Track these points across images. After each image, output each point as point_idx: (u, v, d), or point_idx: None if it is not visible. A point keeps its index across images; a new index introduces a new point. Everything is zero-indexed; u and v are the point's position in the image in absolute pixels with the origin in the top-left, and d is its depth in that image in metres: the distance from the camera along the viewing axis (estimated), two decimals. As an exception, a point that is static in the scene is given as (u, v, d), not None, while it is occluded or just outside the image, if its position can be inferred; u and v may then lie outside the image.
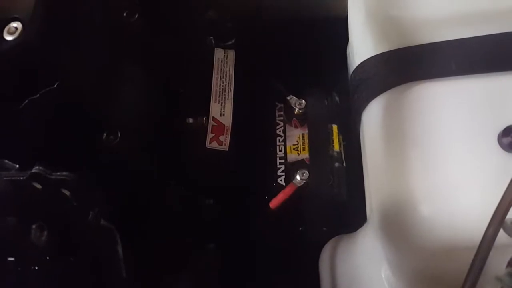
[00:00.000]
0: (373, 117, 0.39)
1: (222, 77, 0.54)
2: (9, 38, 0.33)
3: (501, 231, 0.25)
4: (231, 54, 0.57)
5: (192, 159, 0.48)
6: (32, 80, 0.35)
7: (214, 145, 0.49)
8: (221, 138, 0.50)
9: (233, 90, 0.53)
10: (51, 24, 0.34)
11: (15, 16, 0.34)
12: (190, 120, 0.47)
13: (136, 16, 0.43)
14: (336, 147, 0.49)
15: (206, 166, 0.49)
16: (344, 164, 0.48)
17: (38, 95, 0.34)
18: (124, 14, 0.43)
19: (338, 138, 0.50)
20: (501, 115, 0.32)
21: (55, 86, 0.35)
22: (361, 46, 0.42)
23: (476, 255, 0.25)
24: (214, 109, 0.51)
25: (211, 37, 0.56)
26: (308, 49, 0.59)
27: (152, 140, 0.43)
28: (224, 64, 0.55)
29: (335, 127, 0.50)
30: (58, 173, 0.32)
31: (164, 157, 0.44)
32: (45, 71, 0.35)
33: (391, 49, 0.38)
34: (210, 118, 0.50)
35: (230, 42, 0.57)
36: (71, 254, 0.31)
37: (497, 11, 0.37)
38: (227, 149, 0.49)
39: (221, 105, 0.52)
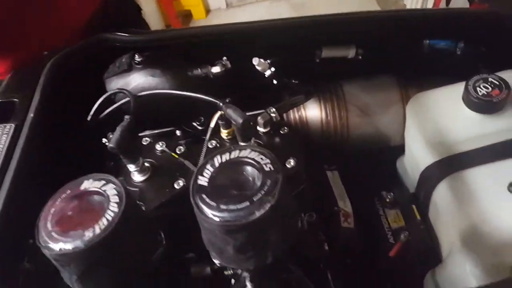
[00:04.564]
0: (441, 194, 0.75)
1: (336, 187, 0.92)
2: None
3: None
4: (336, 173, 0.96)
5: (335, 231, 0.83)
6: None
7: (345, 224, 0.84)
8: (349, 220, 0.85)
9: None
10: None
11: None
12: (336, 208, 0.84)
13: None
14: (417, 216, 0.84)
15: (342, 236, 0.83)
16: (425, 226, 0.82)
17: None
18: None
19: (418, 212, 0.85)
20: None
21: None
22: (422, 158, 0.81)
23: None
24: (340, 203, 0.87)
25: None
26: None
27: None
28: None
29: (414, 206, 0.86)
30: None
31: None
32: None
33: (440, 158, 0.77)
34: (340, 208, 0.86)
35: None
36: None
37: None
38: (353, 227, 0.84)
39: (344, 202, 0.88)
